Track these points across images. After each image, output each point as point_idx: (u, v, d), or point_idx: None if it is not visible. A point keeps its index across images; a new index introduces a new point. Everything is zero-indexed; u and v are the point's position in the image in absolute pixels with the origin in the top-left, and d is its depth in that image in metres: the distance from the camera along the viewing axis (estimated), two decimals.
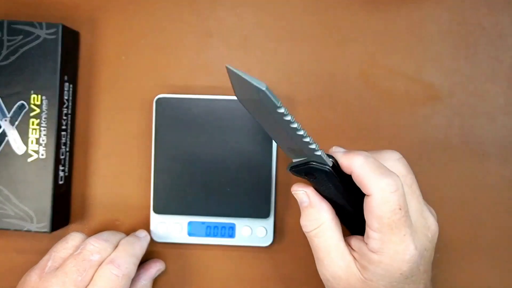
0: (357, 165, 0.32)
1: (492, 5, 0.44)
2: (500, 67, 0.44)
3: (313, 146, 0.31)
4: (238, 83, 0.28)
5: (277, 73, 0.45)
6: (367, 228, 0.32)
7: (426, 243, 0.33)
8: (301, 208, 0.35)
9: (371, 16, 0.45)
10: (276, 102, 0.27)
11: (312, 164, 0.33)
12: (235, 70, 0.26)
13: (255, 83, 0.26)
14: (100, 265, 0.37)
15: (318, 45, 0.45)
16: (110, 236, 0.40)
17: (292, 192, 0.36)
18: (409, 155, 0.44)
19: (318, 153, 0.32)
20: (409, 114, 0.44)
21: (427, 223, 0.34)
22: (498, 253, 0.44)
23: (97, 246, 0.38)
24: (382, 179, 0.31)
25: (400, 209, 0.31)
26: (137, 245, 0.40)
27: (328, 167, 0.32)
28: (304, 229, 0.35)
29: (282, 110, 0.28)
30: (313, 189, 0.35)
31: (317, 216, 0.34)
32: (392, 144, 0.44)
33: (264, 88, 0.26)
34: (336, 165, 0.33)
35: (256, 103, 0.28)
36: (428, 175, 0.44)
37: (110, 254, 0.38)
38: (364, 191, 0.32)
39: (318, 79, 0.45)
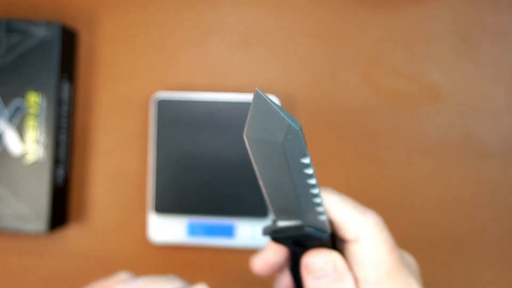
0: (332, 204, 0.27)
1: (495, 4, 0.44)
2: (502, 67, 0.44)
3: (321, 209, 0.25)
4: (261, 114, 0.22)
5: (277, 73, 0.45)
6: (358, 286, 0.26)
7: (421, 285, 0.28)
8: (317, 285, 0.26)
9: (373, 16, 0.44)
10: (304, 148, 0.22)
11: (309, 230, 0.25)
12: (265, 98, 0.21)
13: (289, 120, 0.21)
14: None
15: (318, 45, 0.45)
16: (149, 286, 0.29)
17: (308, 264, 0.27)
18: (410, 155, 0.44)
19: (324, 217, 0.25)
20: (411, 114, 0.44)
21: (409, 261, 0.28)
22: (500, 253, 0.43)
23: None
24: (368, 217, 0.26)
25: (393, 249, 0.26)
26: None
27: (326, 235, 0.26)
28: None
29: (307, 161, 0.23)
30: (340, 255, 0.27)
31: None
32: (393, 144, 0.44)
33: (298, 128, 0.21)
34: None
35: (273, 145, 0.22)
36: (429, 175, 0.44)
37: None
38: (347, 237, 0.27)
39: (318, 79, 0.45)
